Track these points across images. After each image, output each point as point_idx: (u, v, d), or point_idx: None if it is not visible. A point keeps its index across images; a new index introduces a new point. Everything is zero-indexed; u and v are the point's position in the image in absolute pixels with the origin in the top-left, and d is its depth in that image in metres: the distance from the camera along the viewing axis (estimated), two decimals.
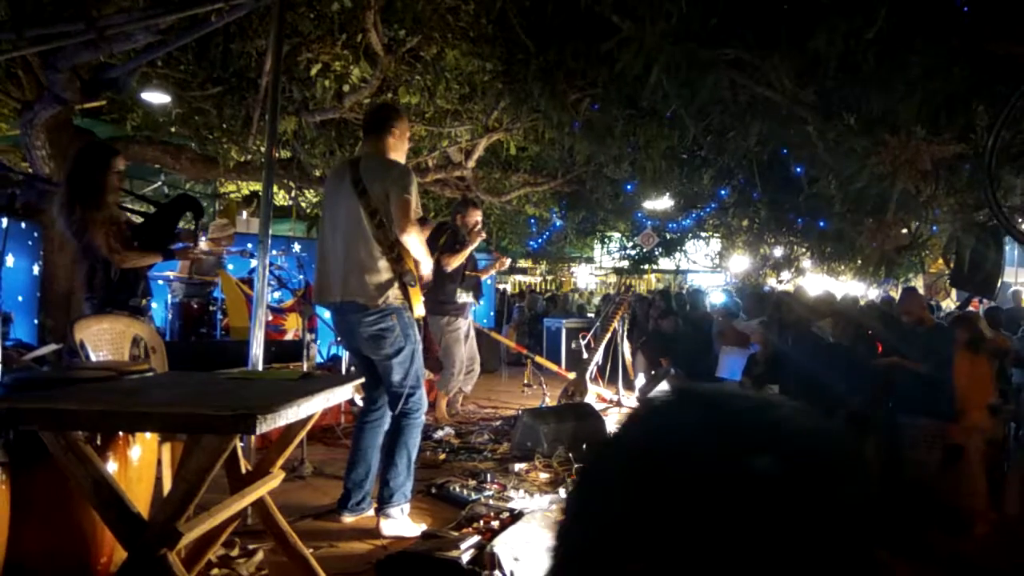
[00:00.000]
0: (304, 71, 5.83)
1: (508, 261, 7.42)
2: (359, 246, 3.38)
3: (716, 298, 10.00)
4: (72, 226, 3.65)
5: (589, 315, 13.17)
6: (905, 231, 6.94)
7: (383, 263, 3.37)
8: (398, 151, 3.58)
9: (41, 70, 5.39)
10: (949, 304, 13.39)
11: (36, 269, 7.12)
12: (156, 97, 6.58)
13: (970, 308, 9.35)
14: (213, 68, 6.15)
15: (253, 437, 3.25)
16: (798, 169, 7.33)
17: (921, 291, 11.09)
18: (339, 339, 6.04)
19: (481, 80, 6.33)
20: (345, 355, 6.12)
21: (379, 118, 3.65)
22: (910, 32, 4.03)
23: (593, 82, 6.16)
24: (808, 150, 5.56)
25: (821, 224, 9.41)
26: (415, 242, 3.40)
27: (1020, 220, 7.59)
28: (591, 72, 5.96)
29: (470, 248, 5.71)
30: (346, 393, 2.65)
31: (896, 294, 12.19)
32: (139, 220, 4.02)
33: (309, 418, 2.50)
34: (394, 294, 3.39)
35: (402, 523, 3.41)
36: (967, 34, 4.01)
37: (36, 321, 6.79)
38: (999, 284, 8.87)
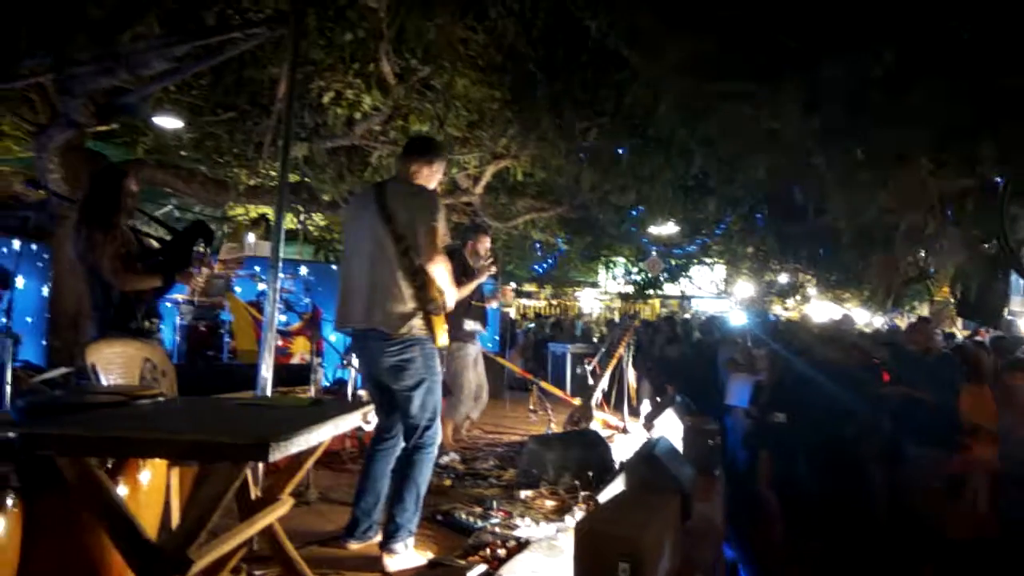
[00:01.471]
0: (316, 98, 5.91)
1: (512, 294, 7.38)
2: (383, 273, 3.32)
3: (736, 321, 9.98)
4: (79, 245, 3.69)
5: (594, 339, 13.15)
6: (911, 260, 6.96)
7: (407, 292, 3.31)
8: (427, 184, 3.54)
9: (56, 95, 5.48)
10: (955, 332, 13.37)
11: (45, 291, 7.17)
12: (168, 122, 6.67)
13: (977, 337, 9.36)
14: (227, 94, 6.23)
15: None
16: (805, 200, 7.37)
17: None
18: (345, 361, 6.06)
19: (490, 108, 6.40)
20: (350, 379, 6.12)
21: (425, 145, 3.66)
22: (916, 66, 4.08)
23: (600, 112, 6.23)
24: (815, 182, 5.59)
25: (825, 253, 9.43)
26: (442, 272, 3.34)
27: None
28: (599, 102, 6.03)
29: (478, 281, 5.59)
30: (355, 420, 2.65)
31: (902, 322, 12.18)
32: (156, 245, 4.05)
33: (319, 445, 2.51)
34: (418, 324, 3.33)
35: (406, 557, 3.36)
36: (972, 68, 4.05)
37: (44, 342, 6.81)
38: (1005, 314, 8.89)
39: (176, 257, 3.94)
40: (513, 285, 10.09)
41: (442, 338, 3.43)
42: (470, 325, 5.86)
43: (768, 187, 7.33)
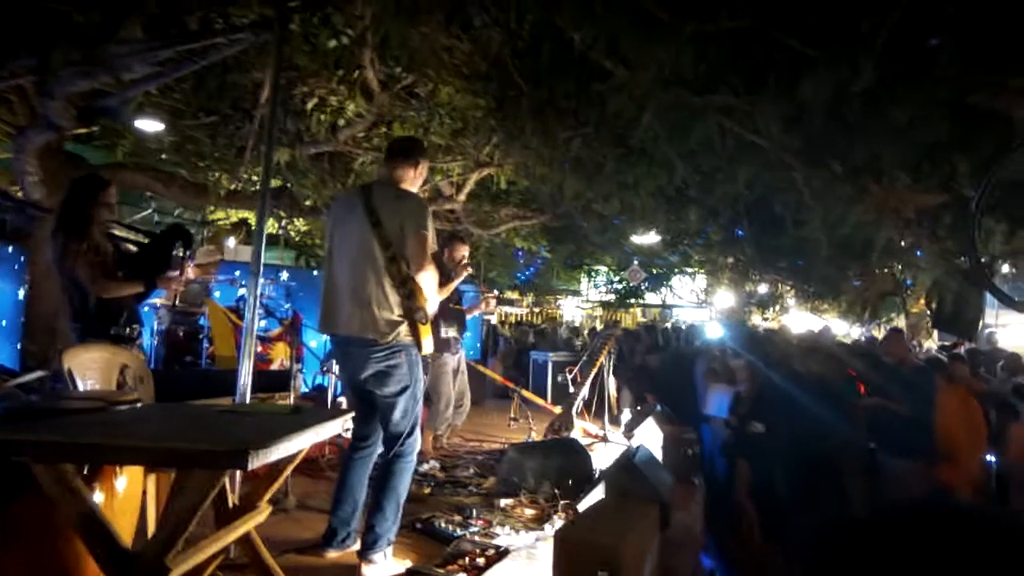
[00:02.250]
0: (300, 104, 5.89)
1: (495, 303, 7.38)
2: (370, 280, 3.30)
3: (713, 332, 10.04)
4: (55, 253, 3.67)
5: (576, 346, 13.18)
6: (888, 273, 7.06)
7: (394, 299, 3.29)
8: (412, 186, 3.54)
9: (36, 97, 5.42)
10: (931, 344, 13.55)
11: (21, 294, 7.07)
12: (149, 125, 6.60)
13: (955, 350, 9.50)
14: (209, 98, 6.20)
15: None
16: (783, 212, 7.45)
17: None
18: (325, 367, 6.03)
19: (474, 116, 6.41)
20: (330, 385, 6.08)
21: (409, 146, 3.63)
22: (894, 82, 4.15)
23: (584, 121, 6.26)
24: (794, 195, 5.66)
25: (803, 264, 9.52)
26: (430, 280, 3.34)
27: (1001, 262, 7.75)
28: (582, 112, 6.06)
29: (455, 283, 5.61)
30: (336, 427, 2.65)
31: (879, 334, 12.34)
32: (133, 250, 4.02)
33: (299, 452, 2.50)
34: (404, 331, 3.32)
35: (385, 566, 3.35)
36: (949, 86, 4.13)
37: (19, 346, 6.72)
38: (979, 327, 9.05)
39: (155, 262, 3.91)
40: (495, 292, 10.10)
41: (427, 346, 3.42)
42: (447, 332, 5.86)
43: (747, 199, 7.40)
